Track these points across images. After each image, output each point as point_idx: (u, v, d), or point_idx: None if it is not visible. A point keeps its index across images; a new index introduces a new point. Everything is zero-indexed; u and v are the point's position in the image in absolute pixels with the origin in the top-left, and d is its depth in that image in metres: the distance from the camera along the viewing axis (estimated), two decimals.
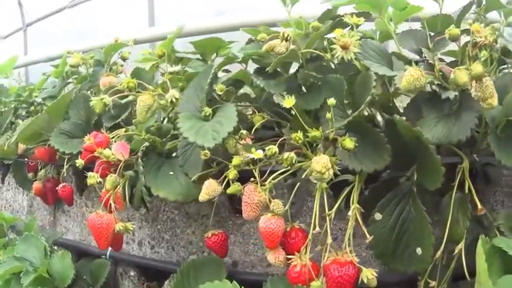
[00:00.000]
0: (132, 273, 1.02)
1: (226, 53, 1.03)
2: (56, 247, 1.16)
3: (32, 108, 1.32)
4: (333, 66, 0.83)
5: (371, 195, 0.68)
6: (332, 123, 0.57)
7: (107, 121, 1.02)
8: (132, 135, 0.88)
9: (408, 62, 0.78)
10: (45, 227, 1.26)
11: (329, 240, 0.60)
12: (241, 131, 0.67)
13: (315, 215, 0.62)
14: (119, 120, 0.99)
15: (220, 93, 0.72)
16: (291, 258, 0.62)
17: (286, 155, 0.56)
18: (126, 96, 1.02)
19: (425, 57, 0.82)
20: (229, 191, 0.64)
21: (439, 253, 0.62)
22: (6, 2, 2.87)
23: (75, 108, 1.06)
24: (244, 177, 0.67)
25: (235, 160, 0.62)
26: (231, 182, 0.66)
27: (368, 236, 0.60)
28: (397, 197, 0.68)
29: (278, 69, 0.87)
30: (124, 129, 0.88)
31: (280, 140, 0.86)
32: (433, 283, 0.64)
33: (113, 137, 0.86)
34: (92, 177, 0.76)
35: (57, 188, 1.06)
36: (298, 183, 0.68)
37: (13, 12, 2.88)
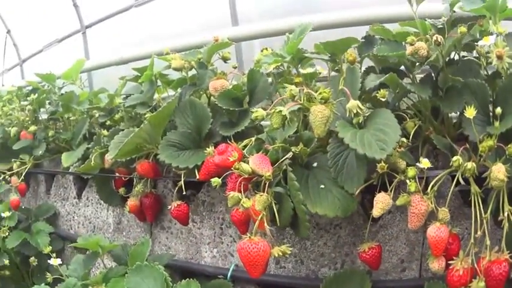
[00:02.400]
0: None
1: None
2: None
3: (118, 116, 1.65)
4: None
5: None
6: (497, 129, 0.84)
7: (223, 130, 1.31)
8: (262, 145, 1.15)
9: None
10: None
11: (488, 241, 0.88)
12: (401, 139, 0.93)
13: (475, 218, 0.89)
14: (242, 128, 1.27)
15: (383, 99, 0.98)
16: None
17: (469, 165, 0.84)
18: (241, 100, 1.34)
19: None
20: (398, 202, 0.91)
21: None
22: (60, 4, 3.31)
23: (181, 116, 1.36)
24: None
25: (411, 171, 0.90)
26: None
27: None
28: None
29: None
30: (254, 138, 1.13)
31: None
32: None
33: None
34: (235, 198, 0.98)
35: (170, 208, 1.34)
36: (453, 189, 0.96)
37: (68, 15, 3.31)
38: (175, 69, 1.40)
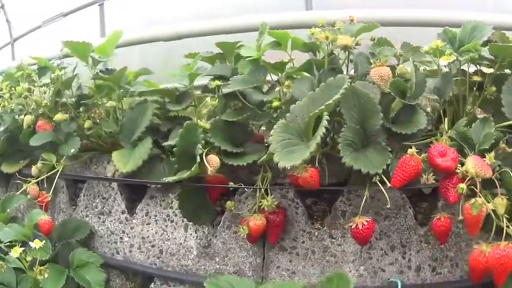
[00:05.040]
0: None
1: None
2: None
3: (213, 102, 1.57)
4: None
5: None
6: None
7: (398, 127, 1.38)
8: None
9: None
10: (244, 273, 1.58)
11: None
12: None
13: None
14: (424, 125, 1.36)
15: None
16: None
17: None
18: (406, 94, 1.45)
19: None
20: None
21: None
22: None
23: (347, 106, 1.37)
24: None
25: None
26: None
27: None
28: None
29: None
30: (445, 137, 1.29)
31: None
32: None
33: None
34: (481, 204, 1.16)
35: (353, 226, 1.31)
36: None
37: None
38: (345, 47, 1.42)
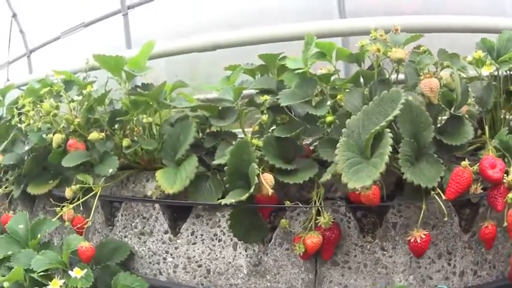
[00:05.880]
0: None
1: None
2: None
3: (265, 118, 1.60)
4: None
5: None
6: None
7: (448, 138, 1.48)
8: None
9: None
10: None
11: None
12: None
13: None
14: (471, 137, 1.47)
15: None
16: None
17: None
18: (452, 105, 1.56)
19: None
20: None
21: None
22: None
23: (402, 120, 1.46)
24: None
25: None
26: None
27: None
28: None
29: None
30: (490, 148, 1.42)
31: None
32: None
33: None
34: None
35: (411, 239, 1.42)
36: None
37: None
38: (399, 60, 1.52)
